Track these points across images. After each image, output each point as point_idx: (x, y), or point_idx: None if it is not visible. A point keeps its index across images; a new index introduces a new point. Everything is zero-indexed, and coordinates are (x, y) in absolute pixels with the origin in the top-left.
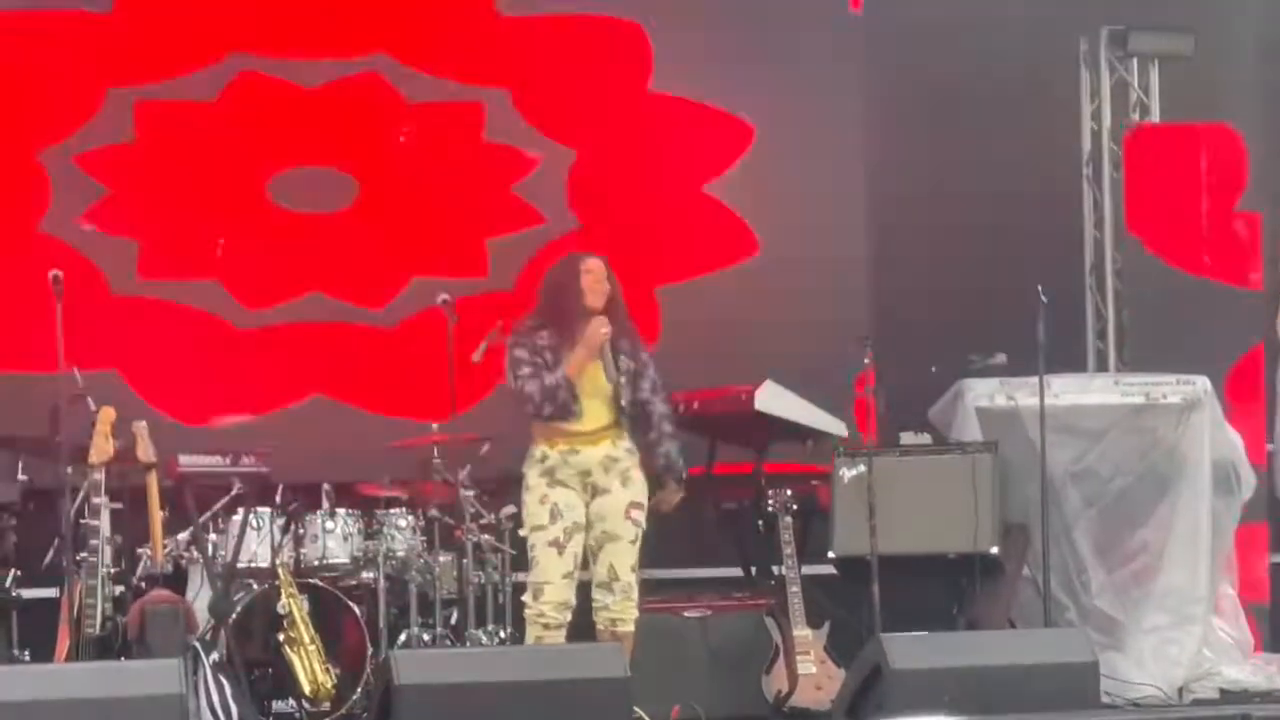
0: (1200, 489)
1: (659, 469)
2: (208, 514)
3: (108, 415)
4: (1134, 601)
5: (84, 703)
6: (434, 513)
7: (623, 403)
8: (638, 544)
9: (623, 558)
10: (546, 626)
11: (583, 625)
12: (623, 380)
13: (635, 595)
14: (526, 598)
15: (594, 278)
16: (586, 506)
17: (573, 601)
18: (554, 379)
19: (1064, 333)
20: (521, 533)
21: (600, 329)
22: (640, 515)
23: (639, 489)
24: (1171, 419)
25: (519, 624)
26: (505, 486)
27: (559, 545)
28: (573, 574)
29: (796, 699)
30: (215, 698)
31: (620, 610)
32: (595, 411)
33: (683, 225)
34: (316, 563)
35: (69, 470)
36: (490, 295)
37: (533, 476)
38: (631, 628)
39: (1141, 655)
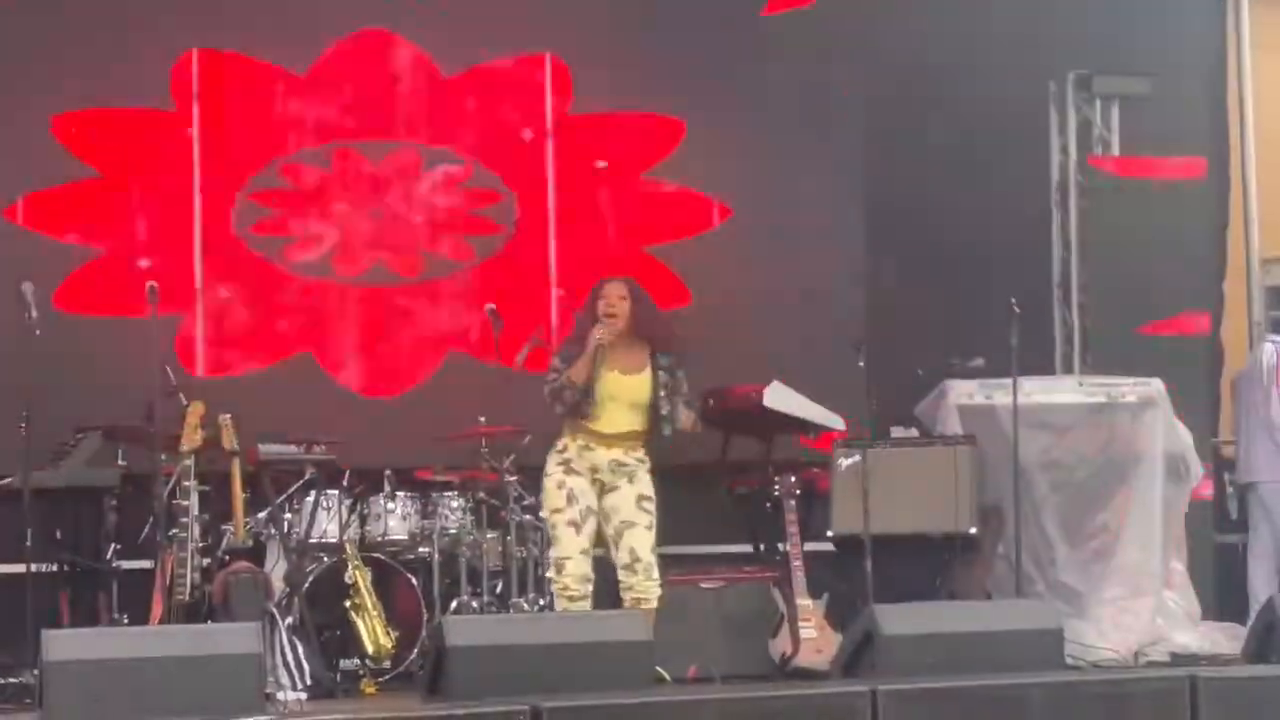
0: (1154, 477)
1: (674, 404)
2: (283, 496)
3: (197, 409)
4: (1095, 575)
5: (175, 660)
6: (482, 495)
7: (663, 412)
8: (653, 529)
9: (641, 541)
10: (571, 598)
11: (599, 595)
12: (662, 393)
13: (656, 574)
14: (551, 573)
15: (606, 302)
16: (599, 498)
17: (591, 575)
18: (560, 382)
19: (1034, 339)
20: (541, 514)
21: (596, 335)
22: (650, 505)
23: (645, 485)
24: (1129, 416)
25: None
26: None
27: (576, 525)
28: (589, 550)
29: (799, 660)
30: (290, 656)
31: (644, 590)
32: (619, 416)
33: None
34: (379, 539)
35: (163, 457)
36: None
37: (551, 465)
38: (655, 604)
39: (1101, 623)
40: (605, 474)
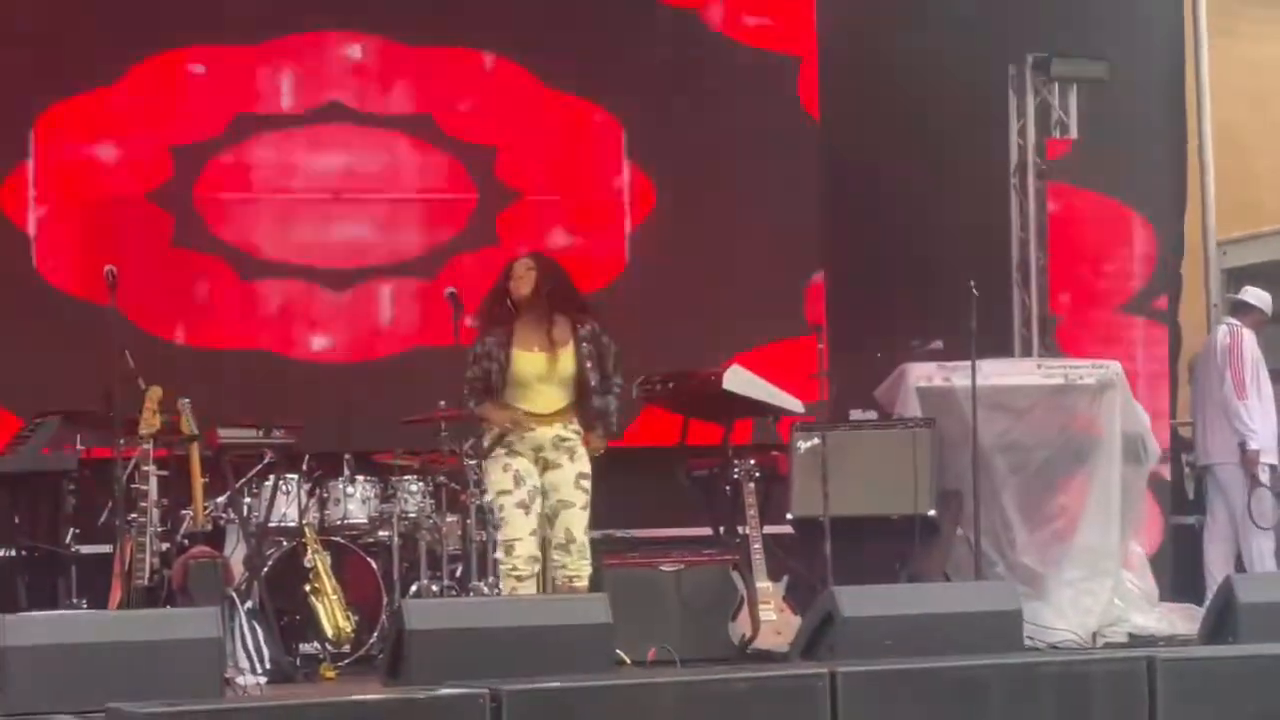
0: (1112, 459)
1: (593, 415)
2: (243, 480)
3: (155, 393)
4: (1054, 557)
5: (134, 645)
6: (441, 479)
7: (592, 384)
8: (588, 510)
9: (576, 521)
10: (520, 579)
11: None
12: (589, 365)
13: (589, 555)
14: (499, 554)
15: (514, 279)
16: (541, 476)
17: (539, 556)
18: (478, 411)
19: (993, 322)
20: (486, 497)
21: (505, 423)
22: (587, 484)
23: (584, 462)
24: (1087, 398)
25: None
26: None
27: (525, 506)
28: (537, 532)
29: (759, 642)
30: (249, 641)
31: (576, 569)
32: (551, 396)
33: None
34: (338, 523)
35: (121, 441)
36: None
37: (494, 449)
38: (586, 583)
39: (1060, 604)
40: (549, 451)
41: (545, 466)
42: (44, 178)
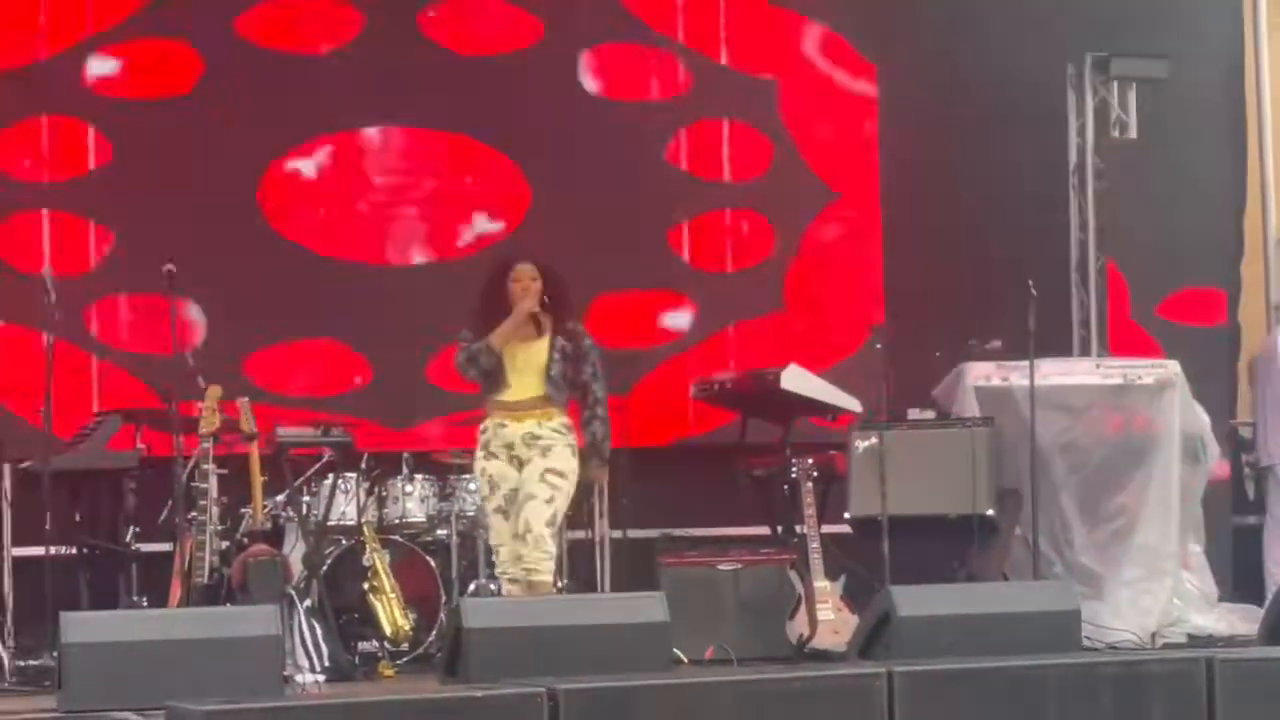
0: (1171, 459)
1: (586, 445)
2: (302, 478)
3: (215, 392)
4: (1113, 557)
5: (194, 643)
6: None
7: (551, 373)
8: (553, 504)
9: (536, 514)
10: (512, 580)
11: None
12: (556, 356)
13: (549, 548)
14: (495, 557)
15: (521, 284)
16: (517, 475)
17: None
18: (478, 345)
19: (1052, 321)
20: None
21: (526, 304)
22: (556, 479)
23: (558, 459)
24: (1146, 398)
25: (575, 576)
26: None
27: (503, 511)
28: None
29: (816, 642)
30: (308, 639)
31: (533, 560)
32: (525, 384)
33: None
34: (397, 521)
35: (181, 440)
36: None
37: (478, 450)
38: (546, 577)
39: (1119, 604)
40: (520, 449)
41: (519, 465)
42: None
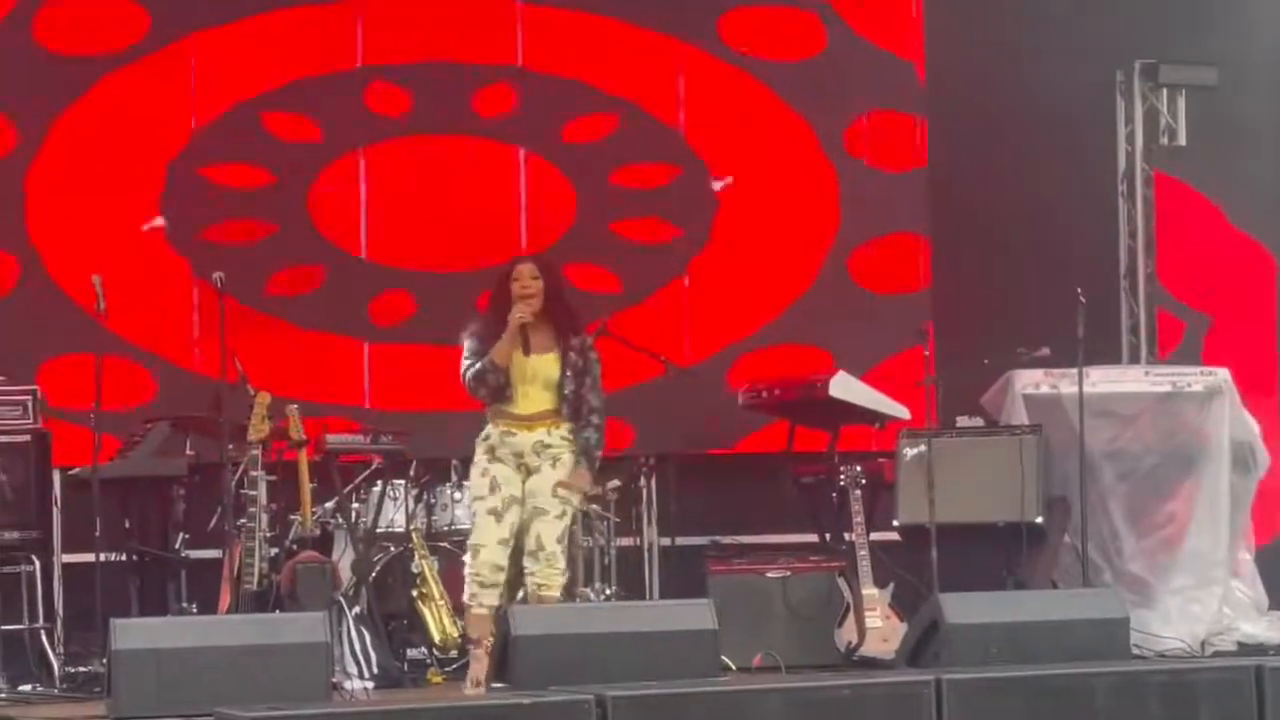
0: (1220, 467)
1: (577, 451)
2: (351, 485)
3: (264, 399)
4: (1162, 565)
5: (243, 649)
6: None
7: (565, 392)
8: (564, 519)
9: (548, 530)
10: (481, 584)
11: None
12: (568, 373)
13: (560, 564)
14: (467, 557)
15: (520, 284)
16: (522, 484)
17: (504, 564)
18: (482, 364)
19: (1101, 329)
20: (466, 501)
21: (516, 314)
22: (567, 493)
23: (567, 471)
24: (1195, 405)
25: (623, 582)
26: (610, 463)
27: (497, 513)
28: (507, 541)
29: (865, 649)
30: (357, 646)
31: (545, 577)
32: (534, 397)
33: None
34: (446, 528)
35: (230, 447)
36: None
37: (478, 453)
38: (556, 593)
39: (1168, 612)
40: (529, 457)
41: (527, 472)
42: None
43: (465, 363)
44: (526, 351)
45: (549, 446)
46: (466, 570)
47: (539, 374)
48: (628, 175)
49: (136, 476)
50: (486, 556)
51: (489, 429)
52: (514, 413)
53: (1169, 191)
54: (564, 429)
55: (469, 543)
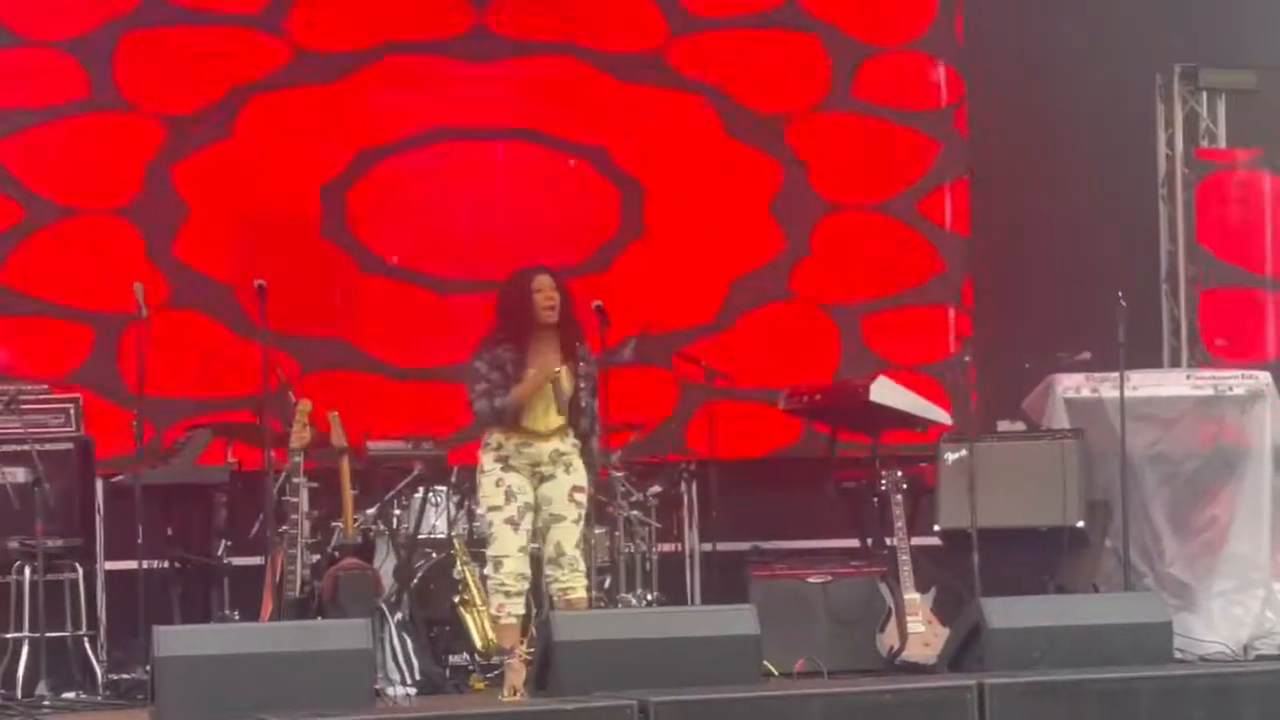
0: (1263, 470)
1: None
2: (392, 492)
3: (306, 407)
4: (1204, 569)
5: (285, 656)
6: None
7: (582, 404)
8: (580, 523)
9: (568, 535)
10: (507, 594)
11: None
12: (582, 385)
13: (581, 567)
14: (488, 569)
15: (544, 295)
16: (535, 491)
17: (528, 573)
18: (503, 403)
19: (1142, 333)
20: (479, 511)
21: (551, 369)
22: (582, 498)
23: (580, 476)
24: (1237, 408)
25: (665, 588)
26: (651, 469)
27: (514, 523)
28: (527, 548)
29: (906, 654)
30: (399, 652)
31: (569, 580)
32: (551, 413)
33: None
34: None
35: (272, 454)
36: None
37: (488, 462)
38: (582, 594)
39: (1210, 616)
40: (546, 465)
41: (541, 479)
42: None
43: (479, 388)
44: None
45: (563, 454)
46: (490, 583)
47: (560, 391)
48: None
49: (178, 484)
50: (511, 567)
51: (498, 438)
52: (532, 428)
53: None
54: (571, 435)
55: (490, 554)
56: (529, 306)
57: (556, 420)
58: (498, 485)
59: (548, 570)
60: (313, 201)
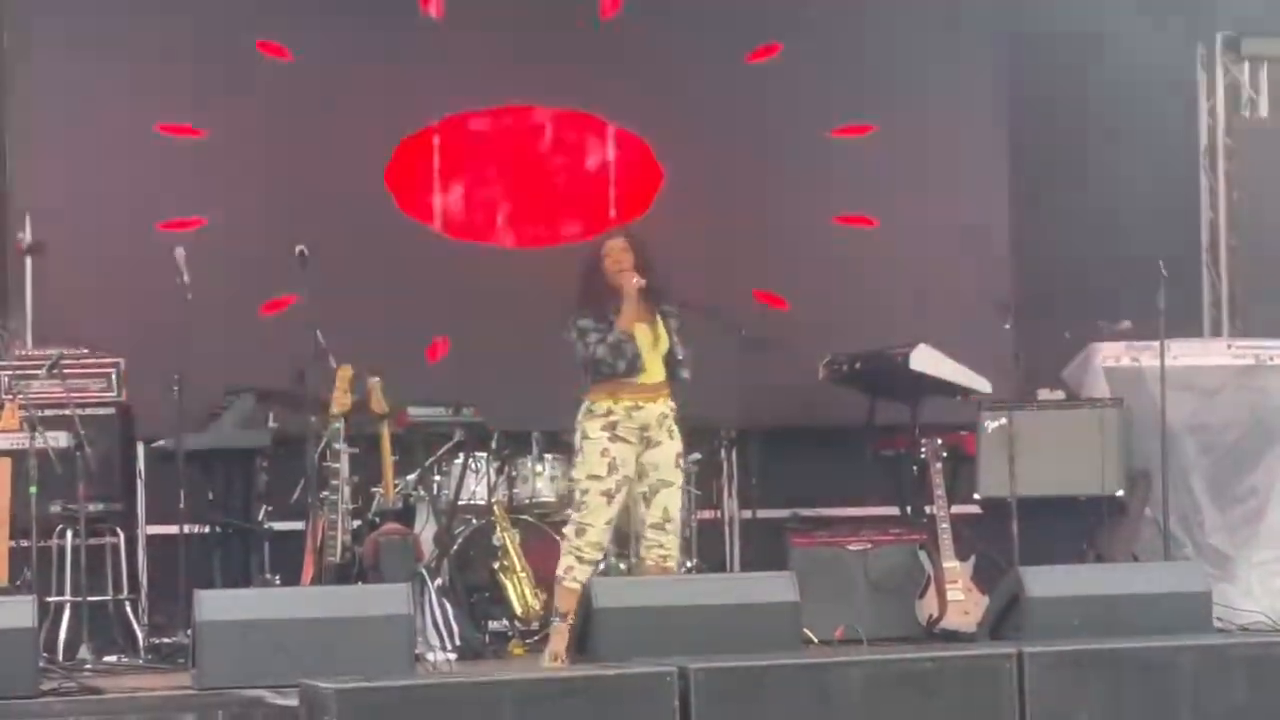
0: None
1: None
2: (433, 458)
3: (346, 372)
4: (1243, 539)
5: (326, 621)
6: None
7: (679, 355)
8: (682, 489)
9: (674, 501)
10: (580, 560)
11: None
12: (675, 340)
13: (679, 533)
14: (569, 530)
15: (612, 259)
16: (638, 458)
17: (607, 544)
18: (615, 336)
19: (1183, 302)
20: (574, 475)
21: (633, 281)
22: (683, 463)
23: (680, 442)
24: (1278, 378)
25: (704, 555)
26: (690, 437)
27: (610, 495)
28: (613, 521)
29: (946, 622)
30: (439, 617)
31: (671, 547)
32: (654, 367)
33: None
34: (527, 501)
35: (313, 419)
36: None
37: (594, 429)
38: (675, 564)
39: (1250, 586)
40: (654, 430)
41: (648, 445)
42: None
43: (591, 339)
44: (649, 321)
45: (667, 417)
46: (567, 543)
47: (659, 341)
48: None
49: (220, 449)
50: (594, 536)
51: (607, 404)
52: (642, 383)
53: None
54: (670, 398)
55: (576, 518)
56: (600, 271)
57: (660, 374)
58: (603, 455)
59: (650, 535)
60: (363, 170)
